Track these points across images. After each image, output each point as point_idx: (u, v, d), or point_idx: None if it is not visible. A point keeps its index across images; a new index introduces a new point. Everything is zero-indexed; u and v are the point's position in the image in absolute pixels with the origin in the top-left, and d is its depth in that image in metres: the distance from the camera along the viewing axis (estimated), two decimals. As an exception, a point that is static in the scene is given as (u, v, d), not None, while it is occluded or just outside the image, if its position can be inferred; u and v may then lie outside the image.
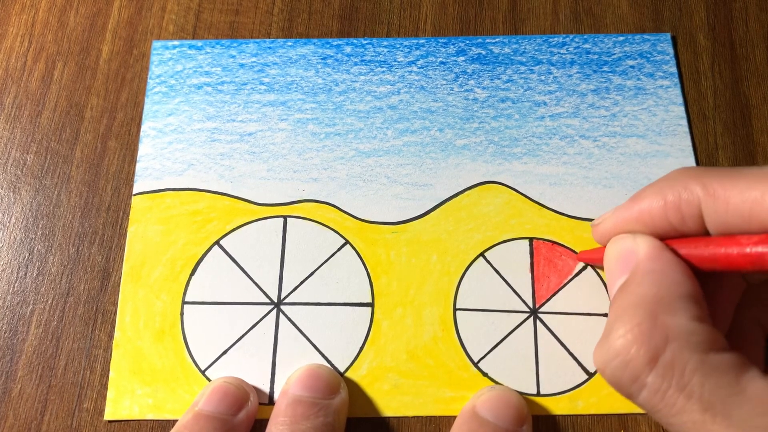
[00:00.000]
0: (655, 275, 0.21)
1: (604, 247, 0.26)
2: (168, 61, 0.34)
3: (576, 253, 0.30)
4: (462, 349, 0.29)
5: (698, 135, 0.32)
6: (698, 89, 0.33)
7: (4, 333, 0.29)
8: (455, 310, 0.29)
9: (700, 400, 0.19)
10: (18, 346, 0.29)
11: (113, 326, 0.29)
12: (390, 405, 0.28)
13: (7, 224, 0.31)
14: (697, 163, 0.32)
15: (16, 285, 0.30)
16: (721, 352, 0.19)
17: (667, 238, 0.23)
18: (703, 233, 0.22)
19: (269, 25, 0.35)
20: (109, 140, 0.33)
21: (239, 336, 0.29)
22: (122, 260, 0.30)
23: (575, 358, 0.28)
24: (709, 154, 0.32)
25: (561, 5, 0.35)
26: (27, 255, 0.31)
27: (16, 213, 0.31)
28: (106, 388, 0.28)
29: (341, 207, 0.31)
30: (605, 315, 0.29)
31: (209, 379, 0.28)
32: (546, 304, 0.29)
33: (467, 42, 0.34)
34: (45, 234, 0.31)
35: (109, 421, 0.28)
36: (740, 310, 0.24)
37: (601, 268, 0.29)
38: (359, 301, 0.29)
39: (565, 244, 0.30)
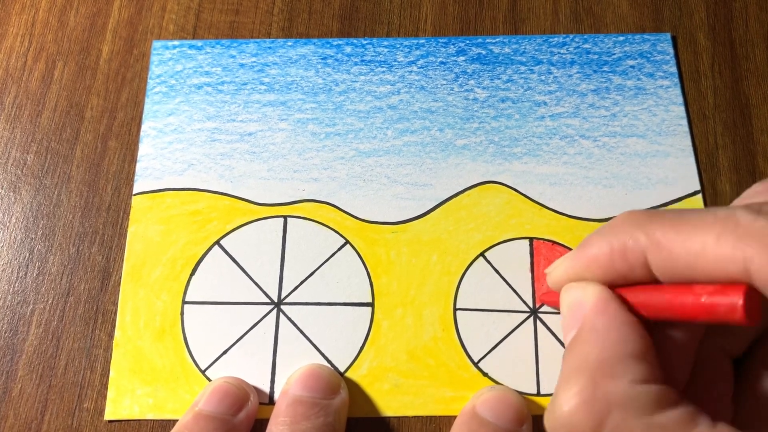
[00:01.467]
0: (599, 333, 0.21)
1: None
2: (168, 61, 0.34)
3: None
4: (462, 349, 0.29)
5: (698, 135, 0.32)
6: (698, 89, 0.33)
7: (5, 333, 0.29)
8: (455, 310, 0.29)
9: None
10: (18, 345, 0.29)
11: (113, 326, 0.29)
12: (390, 405, 0.28)
13: (8, 224, 0.31)
14: (698, 162, 0.32)
15: (17, 285, 0.30)
16: (669, 409, 0.19)
17: (618, 285, 0.22)
18: (653, 280, 0.21)
19: (269, 24, 0.35)
20: (109, 140, 0.33)
21: (239, 336, 0.29)
22: (122, 260, 0.30)
23: (575, 358, 0.28)
24: (709, 153, 0.32)
25: (561, 5, 0.35)
26: (27, 255, 0.31)
27: (17, 213, 0.31)
28: (107, 388, 0.28)
29: (341, 207, 0.31)
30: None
31: (209, 379, 0.28)
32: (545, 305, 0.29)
33: (467, 42, 0.34)
34: (45, 234, 0.31)
35: (110, 421, 0.28)
36: (704, 341, 0.23)
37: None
38: (359, 301, 0.29)
39: (565, 244, 0.30)
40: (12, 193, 0.32)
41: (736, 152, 0.32)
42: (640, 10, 0.35)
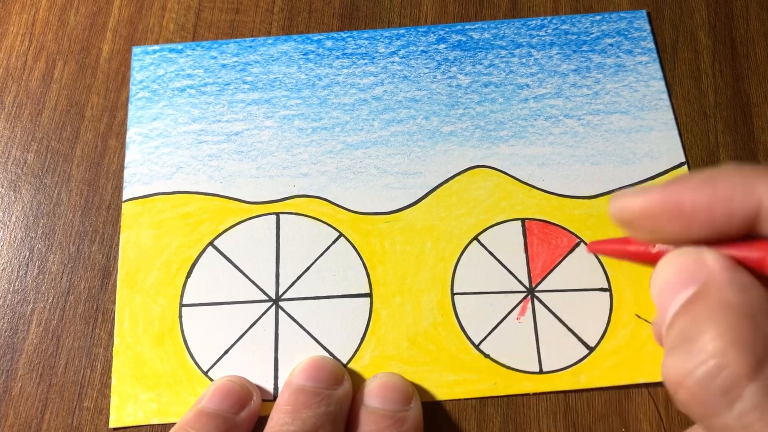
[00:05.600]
0: (740, 285, 0.18)
1: (622, 239, 0.23)
2: (149, 66, 0.34)
3: (568, 230, 0.30)
4: (462, 333, 0.29)
5: (699, 133, 0.32)
6: (699, 87, 0.33)
7: (5, 332, 0.29)
8: (453, 294, 0.29)
9: None
10: (18, 344, 0.29)
11: (113, 325, 0.29)
12: (395, 393, 0.28)
13: (8, 223, 0.31)
14: (683, 142, 0.32)
15: (17, 284, 0.30)
16: None
17: (702, 239, 0.20)
18: (744, 236, 0.19)
19: (269, 23, 0.35)
20: (109, 139, 0.33)
21: (239, 335, 0.29)
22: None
23: (575, 334, 0.29)
24: (710, 152, 0.32)
25: (561, 4, 0.35)
26: (27, 254, 0.30)
27: (17, 212, 0.31)
28: (107, 387, 0.28)
29: (333, 200, 0.31)
30: (601, 290, 0.29)
31: (212, 380, 0.28)
32: (542, 283, 0.29)
33: (447, 29, 0.34)
34: (45, 233, 0.31)
35: (115, 429, 0.28)
36: None
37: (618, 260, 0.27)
38: (357, 292, 0.29)
39: (557, 223, 0.30)
40: (12, 192, 0.32)
41: (737, 151, 0.32)
42: (640, 8, 0.35)
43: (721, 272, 0.18)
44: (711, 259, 0.19)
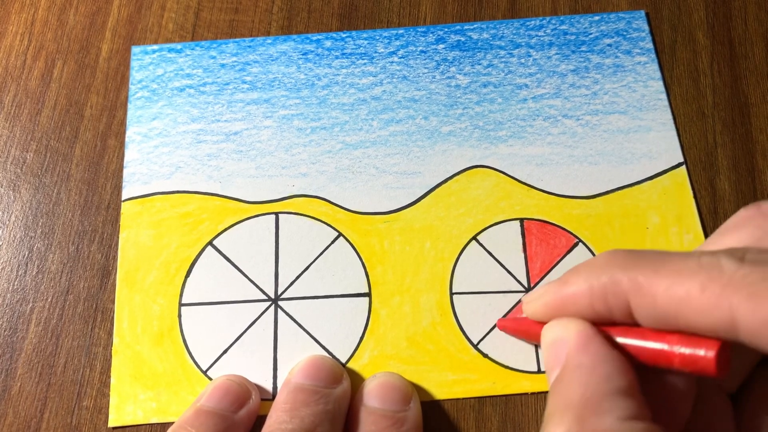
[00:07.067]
0: (583, 371, 0.20)
1: (527, 319, 0.26)
2: (148, 66, 0.34)
3: (567, 230, 0.30)
4: (461, 333, 0.29)
5: (697, 133, 0.32)
6: (697, 87, 0.33)
7: (4, 331, 0.29)
8: (452, 294, 0.29)
9: None
10: (18, 344, 0.29)
11: (113, 324, 0.29)
12: (393, 392, 0.28)
13: (7, 222, 0.31)
14: (681, 143, 0.32)
15: (16, 283, 0.30)
16: None
17: (600, 323, 0.22)
18: (633, 322, 0.21)
19: (269, 23, 0.35)
20: (108, 138, 0.33)
21: (239, 334, 0.29)
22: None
23: (573, 334, 0.29)
24: (708, 152, 0.32)
25: (560, 4, 0.35)
26: (27, 253, 0.30)
27: (16, 211, 0.31)
28: (106, 386, 0.28)
29: (332, 200, 0.31)
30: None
31: (211, 379, 0.28)
32: (541, 283, 0.29)
33: (446, 30, 0.35)
34: (45, 232, 0.31)
35: (114, 428, 0.28)
36: (701, 379, 0.22)
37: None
38: (356, 292, 0.29)
39: (555, 223, 0.31)
40: (11, 192, 0.32)
41: (735, 151, 0.32)
42: (639, 8, 0.35)
43: (574, 354, 0.21)
44: (572, 335, 0.21)
